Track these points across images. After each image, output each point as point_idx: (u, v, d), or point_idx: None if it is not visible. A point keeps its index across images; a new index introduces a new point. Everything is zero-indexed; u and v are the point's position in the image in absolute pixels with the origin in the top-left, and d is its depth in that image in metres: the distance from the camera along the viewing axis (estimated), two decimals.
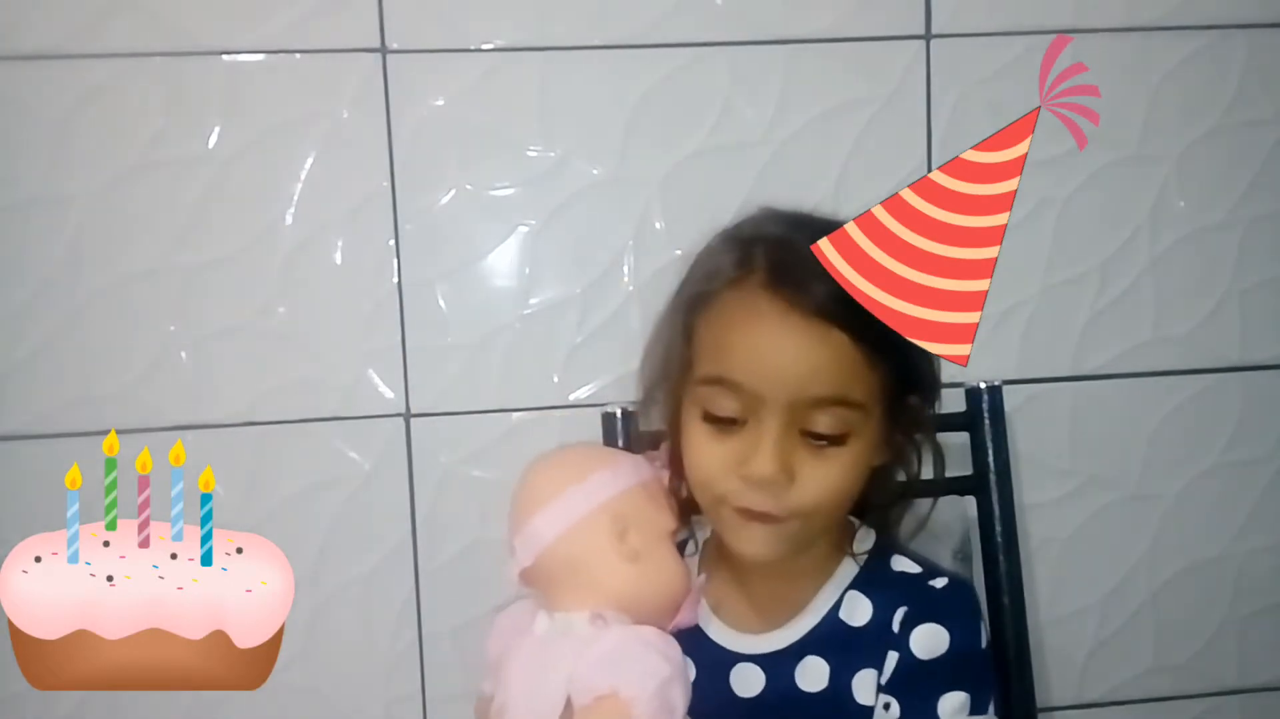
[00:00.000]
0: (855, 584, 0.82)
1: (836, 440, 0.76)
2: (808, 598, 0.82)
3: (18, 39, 1.04)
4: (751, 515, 0.77)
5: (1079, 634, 1.21)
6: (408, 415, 1.11)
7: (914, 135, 1.14)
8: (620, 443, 1.02)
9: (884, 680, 0.78)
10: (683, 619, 0.80)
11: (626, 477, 0.81)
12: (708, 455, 0.77)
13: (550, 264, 1.12)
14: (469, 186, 1.11)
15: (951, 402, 1.12)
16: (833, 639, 0.80)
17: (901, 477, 0.84)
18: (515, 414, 1.11)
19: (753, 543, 0.78)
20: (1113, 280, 1.18)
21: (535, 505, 0.79)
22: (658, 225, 1.12)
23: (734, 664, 0.82)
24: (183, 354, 1.08)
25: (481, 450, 1.11)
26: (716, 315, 0.78)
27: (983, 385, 1.09)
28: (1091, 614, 1.21)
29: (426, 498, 1.12)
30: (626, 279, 1.12)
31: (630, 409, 1.01)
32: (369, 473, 1.11)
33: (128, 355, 1.08)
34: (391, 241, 1.10)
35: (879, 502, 0.84)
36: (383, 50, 1.08)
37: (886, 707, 0.78)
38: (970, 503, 1.08)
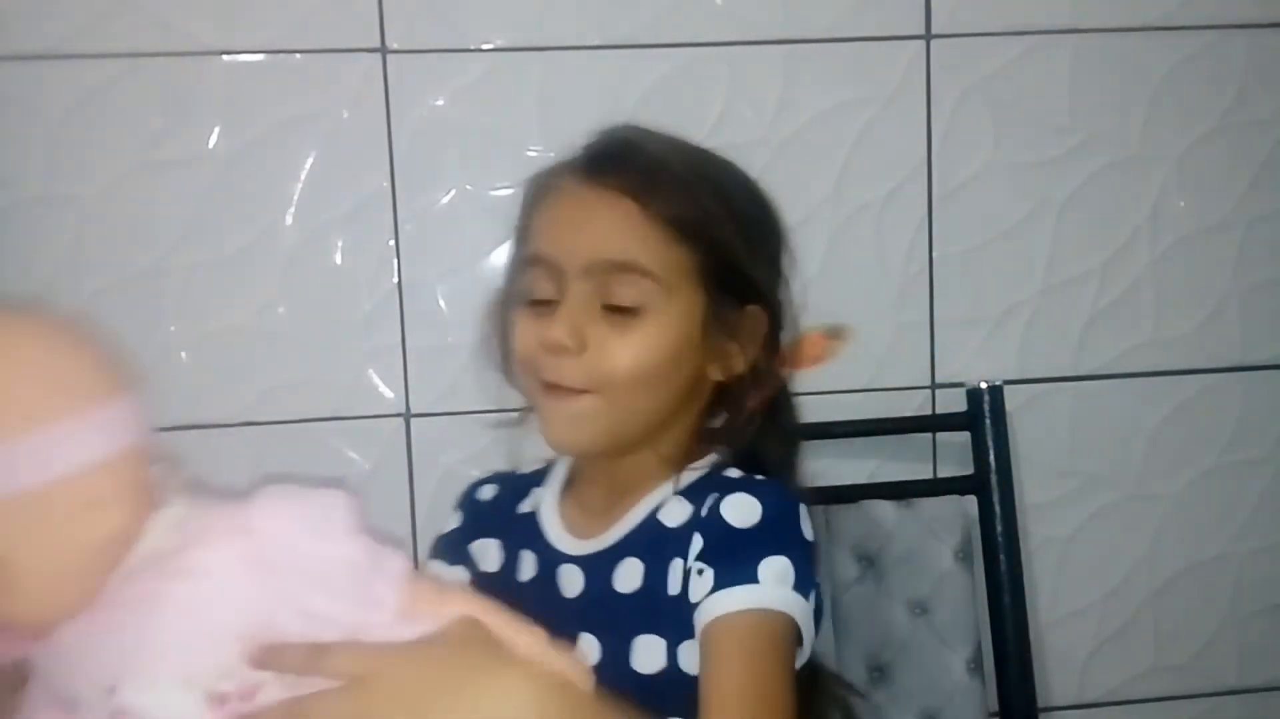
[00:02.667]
0: (680, 491, 0.81)
1: (631, 313, 0.77)
2: (630, 505, 0.82)
3: (18, 39, 1.04)
4: (550, 389, 0.79)
5: (1079, 634, 1.21)
6: (408, 415, 1.11)
7: (914, 135, 1.14)
8: None
9: (696, 555, 0.76)
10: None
11: None
12: (524, 335, 0.81)
13: None
14: (469, 186, 1.11)
15: (953, 401, 1.13)
16: (648, 539, 0.80)
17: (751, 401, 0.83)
18: (515, 414, 1.11)
19: (557, 425, 0.80)
20: (1113, 280, 1.18)
21: None
22: None
23: (559, 564, 0.83)
24: (183, 354, 1.08)
25: (481, 451, 1.10)
26: (538, 204, 0.85)
27: (984, 385, 1.09)
28: (1091, 614, 1.21)
29: (426, 498, 1.12)
30: None
31: None
32: (369, 473, 1.11)
33: (128, 355, 1.08)
34: (391, 241, 1.10)
35: (730, 424, 0.84)
36: (383, 50, 1.08)
37: (700, 572, 0.74)
38: (971, 503, 1.09)
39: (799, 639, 0.75)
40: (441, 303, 1.11)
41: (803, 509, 0.78)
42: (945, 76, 1.13)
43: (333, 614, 0.59)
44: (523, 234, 0.86)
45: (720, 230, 0.80)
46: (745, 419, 0.83)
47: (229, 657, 0.57)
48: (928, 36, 1.13)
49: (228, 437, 1.09)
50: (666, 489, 0.81)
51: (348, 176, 1.09)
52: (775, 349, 0.84)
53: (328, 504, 0.61)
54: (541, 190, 0.85)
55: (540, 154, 1.11)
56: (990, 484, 1.08)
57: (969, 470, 1.09)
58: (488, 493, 0.93)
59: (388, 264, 1.10)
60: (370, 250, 1.10)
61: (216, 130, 1.07)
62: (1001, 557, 1.07)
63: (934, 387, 1.15)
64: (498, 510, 0.91)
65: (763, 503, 0.76)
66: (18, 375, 0.57)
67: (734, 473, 0.82)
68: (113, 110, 1.05)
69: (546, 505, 0.87)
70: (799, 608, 0.74)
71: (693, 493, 0.80)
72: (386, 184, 1.09)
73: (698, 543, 0.76)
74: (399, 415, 1.11)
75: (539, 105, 1.10)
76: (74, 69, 1.05)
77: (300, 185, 1.08)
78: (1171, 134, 1.17)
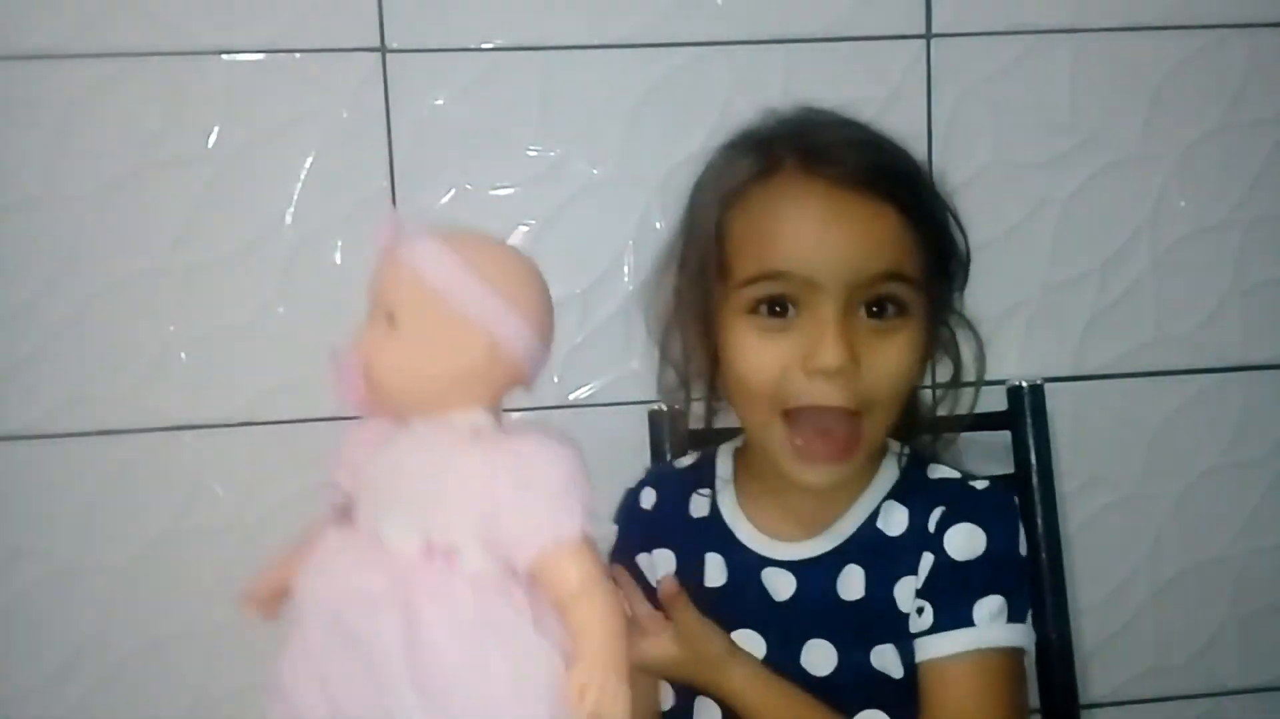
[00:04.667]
0: (892, 494, 0.80)
1: (893, 322, 0.73)
2: (842, 507, 0.80)
3: (18, 39, 1.04)
4: (819, 436, 0.73)
5: (1079, 634, 1.20)
6: None
7: (914, 135, 1.13)
8: (667, 442, 1.02)
9: (919, 585, 0.77)
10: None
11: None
12: (762, 356, 0.73)
13: (550, 264, 1.11)
14: (469, 186, 1.11)
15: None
16: (870, 547, 0.78)
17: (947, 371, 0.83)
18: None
19: (817, 473, 0.74)
20: (1113, 280, 1.18)
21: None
22: (658, 225, 1.12)
23: (763, 568, 0.81)
24: (183, 354, 1.08)
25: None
26: (752, 212, 0.75)
27: (1024, 384, 1.08)
28: (1092, 614, 1.21)
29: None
30: (626, 279, 1.12)
31: (678, 408, 1.01)
32: None
33: (128, 355, 1.08)
34: None
35: (918, 409, 0.82)
36: (383, 50, 1.08)
37: (920, 611, 0.76)
38: None
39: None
40: None
41: (1020, 528, 0.78)
42: (945, 76, 1.13)
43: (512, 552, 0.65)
44: (719, 243, 0.77)
45: (943, 220, 0.78)
46: (933, 405, 0.84)
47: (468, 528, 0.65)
48: (928, 36, 1.13)
49: (228, 437, 1.09)
50: (877, 490, 0.80)
51: (347, 176, 1.09)
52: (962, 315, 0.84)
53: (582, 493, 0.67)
54: (749, 194, 0.76)
55: (540, 154, 1.11)
56: (1032, 483, 1.07)
57: (1010, 469, 1.08)
58: (649, 500, 0.88)
59: None
60: (370, 250, 1.10)
61: (216, 130, 1.07)
62: (1043, 554, 1.06)
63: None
64: (665, 518, 0.86)
65: (988, 534, 0.76)
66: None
67: (941, 471, 0.81)
68: (112, 110, 1.05)
69: (728, 508, 0.84)
70: (1020, 636, 0.76)
71: (907, 496, 0.79)
72: (386, 184, 1.09)
73: (926, 565, 0.77)
74: None
75: (539, 105, 1.10)
76: (74, 69, 1.05)
77: (300, 185, 1.08)
78: (1171, 134, 1.17)
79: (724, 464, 0.87)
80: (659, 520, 0.87)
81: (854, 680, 0.77)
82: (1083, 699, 1.20)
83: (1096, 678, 1.21)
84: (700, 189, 0.81)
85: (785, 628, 0.79)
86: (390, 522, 0.67)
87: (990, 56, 1.14)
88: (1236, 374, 1.20)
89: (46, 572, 1.08)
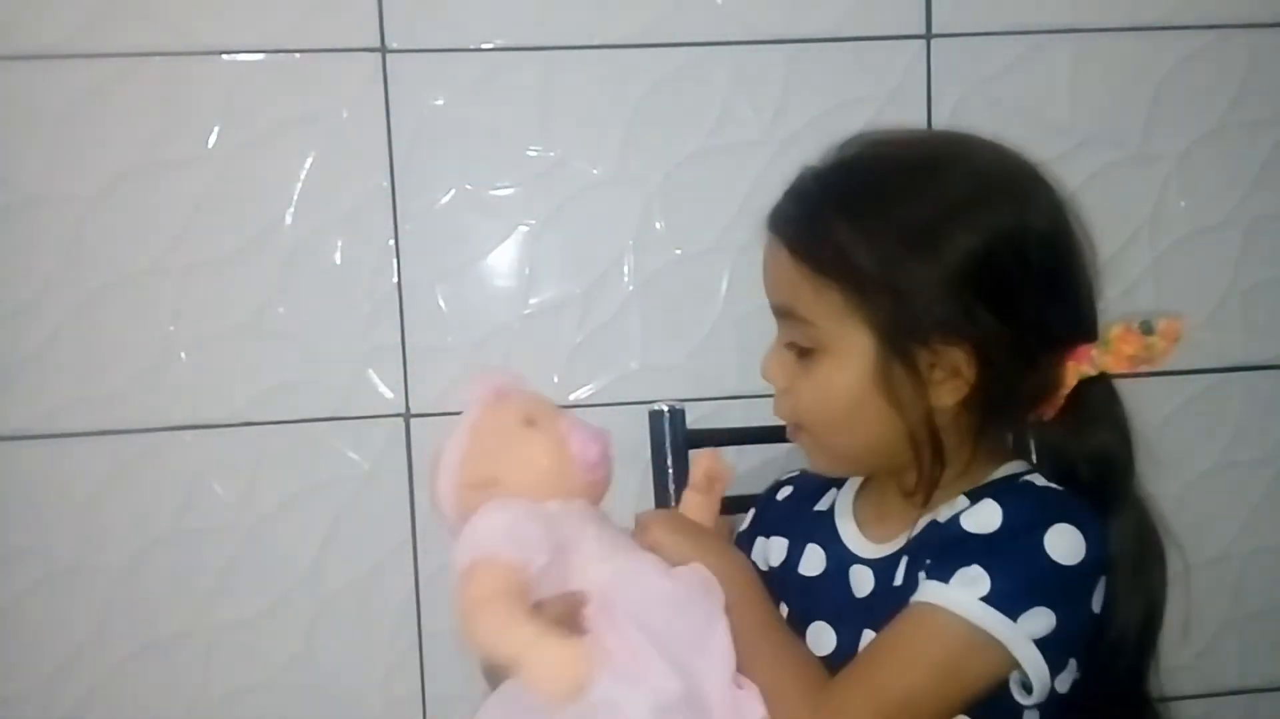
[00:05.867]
0: (968, 493, 0.77)
1: (809, 354, 0.77)
2: (925, 513, 0.79)
3: (18, 39, 1.04)
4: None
5: None
6: (408, 415, 1.11)
7: None
8: (668, 441, 1.02)
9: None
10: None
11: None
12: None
13: (550, 264, 1.12)
14: (469, 186, 1.11)
15: None
16: (922, 539, 0.77)
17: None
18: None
19: (804, 454, 0.82)
20: (1113, 280, 1.17)
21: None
22: (658, 225, 1.12)
23: (852, 564, 0.82)
24: (183, 354, 1.08)
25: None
26: None
27: None
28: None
29: (426, 498, 1.12)
30: (626, 279, 1.12)
31: (677, 407, 1.02)
32: (369, 473, 1.11)
33: (128, 355, 1.08)
34: (391, 241, 1.10)
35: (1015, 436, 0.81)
36: (383, 50, 1.08)
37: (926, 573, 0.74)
38: None
39: (1009, 667, 0.71)
40: (441, 303, 1.11)
41: (1059, 529, 0.71)
42: (945, 76, 1.13)
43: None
44: None
45: (865, 265, 0.73)
46: (1028, 430, 0.80)
47: None
48: (928, 36, 1.13)
49: (228, 437, 1.09)
50: (958, 501, 0.77)
51: (347, 176, 1.09)
52: (1032, 359, 0.75)
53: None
54: None
55: (540, 154, 1.11)
56: None
57: None
58: (784, 493, 0.92)
59: (387, 264, 1.10)
60: (370, 250, 1.10)
61: (216, 130, 1.07)
62: None
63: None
64: (791, 509, 0.90)
65: (1005, 513, 0.72)
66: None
67: (1028, 477, 0.78)
68: (112, 110, 1.05)
69: (841, 506, 0.86)
70: (997, 625, 0.69)
71: (975, 494, 0.77)
72: (386, 184, 1.09)
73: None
74: (399, 415, 1.11)
75: (539, 105, 1.10)
76: (74, 69, 1.05)
77: (300, 185, 1.08)
78: (1171, 134, 1.17)
79: None
80: (786, 510, 0.90)
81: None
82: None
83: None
84: None
85: (856, 623, 0.79)
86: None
87: (990, 56, 1.14)
88: (1236, 374, 1.20)
89: (46, 572, 1.09)
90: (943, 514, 0.78)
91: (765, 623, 0.78)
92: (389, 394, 1.11)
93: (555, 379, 1.12)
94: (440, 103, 1.09)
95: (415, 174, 1.09)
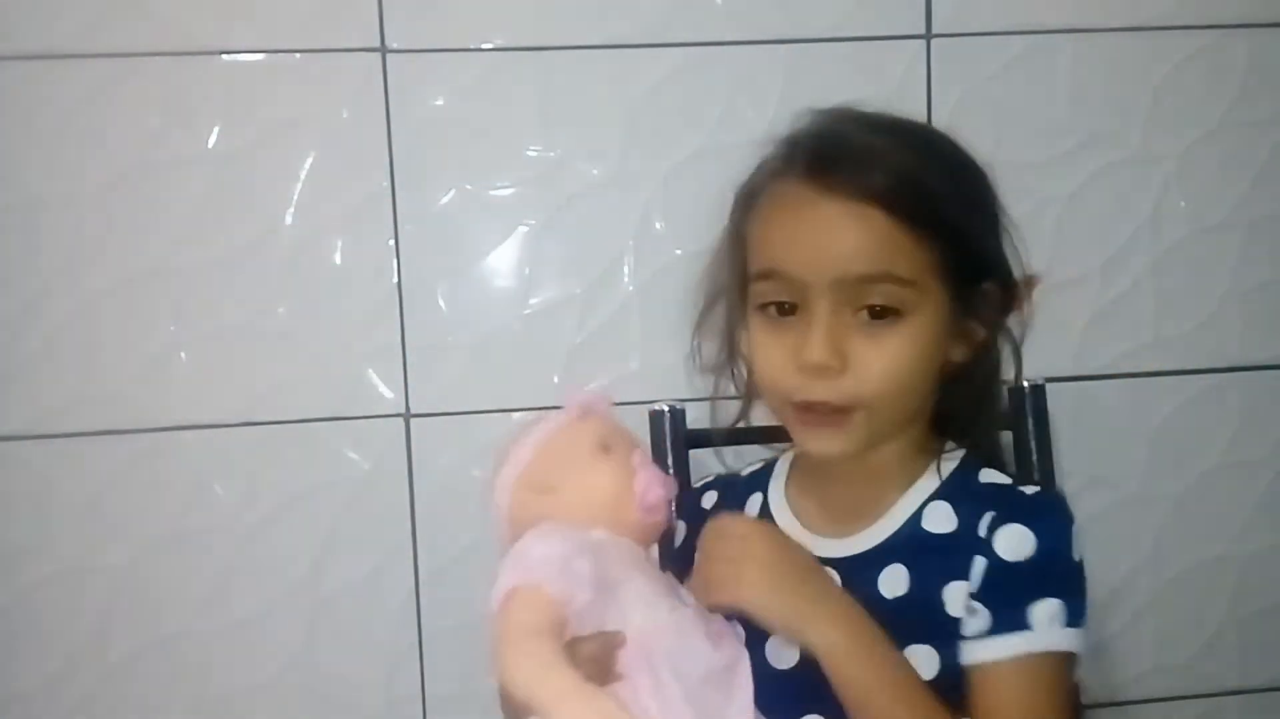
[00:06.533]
0: (938, 494, 0.80)
1: (889, 317, 0.75)
2: (887, 504, 0.81)
3: (18, 39, 1.04)
4: (814, 412, 0.77)
5: None
6: (408, 415, 1.11)
7: None
8: (668, 441, 1.02)
9: (974, 589, 0.76)
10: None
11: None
12: (768, 351, 0.78)
13: (550, 264, 1.12)
14: (469, 186, 1.11)
15: None
16: (915, 546, 0.79)
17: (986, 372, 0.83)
18: (515, 414, 1.11)
19: (819, 442, 0.79)
20: (1113, 280, 1.18)
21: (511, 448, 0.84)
22: (658, 225, 1.12)
23: None
24: (183, 354, 1.08)
25: (481, 450, 1.10)
26: (762, 211, 0.80)
27: (1025, 384, 1.07)
28: (1092, 615, 1.19)
29: (426, 498, 1.12)
30: (626, 279, 1.12)
31: (677, 407, 1.02)
32: (369, 473, 1.11)
33: (128, 355, 1.08)
34: (391, 241, 1.10)
35: (964, 408, 0.83)
36: (383, 50, 1.08)
37: (973, 613, 0.76)
38: None
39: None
40: (441, 303, 1.11)
41: (1074, 532, 0.78)
42: (945, 76, 1.13)
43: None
44: (740, 241, 0.83)
45: (957, 219, 0.77)
46: (978, 402, 0.83)
47: None
48: (928, 36, 1.13)
49: (228, 437, 1.09)
50: (922, 489, 0.81)
51: (347, 176, 1.09)
52: (1004, 321, 0.82)
53: None
54: (762, 197, 0.81)
55: (540, 154, 1.11)
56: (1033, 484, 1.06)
57: (1011, 470, 1.08)
58: (709, 501, 0.92)
59: (387, 264, 1.10)
60: (370, 250, 1.10)
61: (216, 130, 1.07)
62: None
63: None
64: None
65: (1037, 535, 0.76)
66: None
67: (992, 476, 0.81)
68: (113, 110, 1.05)
69: (777, 506, 0.86)
70: (1075, 641, 0.76)
71: (952, 494, 0.80)
72: (386, 184, 1.09)
73: (978, 569, 0.76)
74: (399, 415, 1.11)
75: (539, 105, 1.10)
76: (74, 69, 1.05)
77: (300, 185, 1.08)
78: (1171, 134, 1.17)
79: (780, 466, 0.90)
80: None
81: None
82: (1083, 699, 1.20)
83: (1096, 678, 1.21)
84: (738, 186, 0.85)
85: None
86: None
87: (990, 56, 1.14)
88: (1236, 374, 1.20)
89: (47, 571, 1.09)
90: (932, 521, 0.79)
91: (914, 694, 0.75)
92: (389, 394, 1.11)
93: (555, 379, 1.12)
94: (440, 103, 1.09)
95: (415, 174, 1.09)
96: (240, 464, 1.10)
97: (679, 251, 1.12)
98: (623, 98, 1.10)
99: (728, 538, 0.78)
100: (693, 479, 1.01)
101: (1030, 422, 1.07)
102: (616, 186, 1.11)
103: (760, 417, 0.90)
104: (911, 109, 1.13)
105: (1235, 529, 1.22)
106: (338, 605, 1.12)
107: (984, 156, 0.84)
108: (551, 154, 1.11)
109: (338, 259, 1.10)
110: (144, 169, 1.06)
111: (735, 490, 0.90)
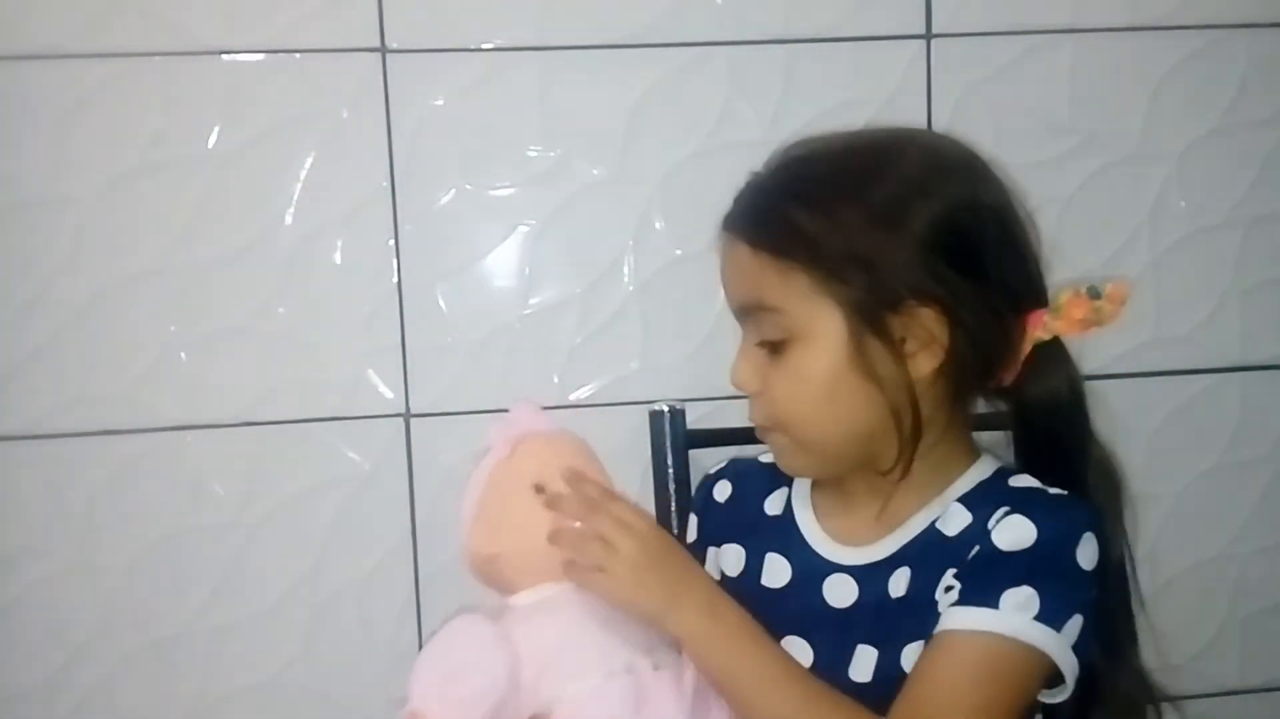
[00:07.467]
0: (962, 499, 0.79)
1: (779, 347, 0.77)
2: (910, 512, 0.80)
3: (18, 39, 1.04)
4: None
5: None
6: (408, 415, 1.11)
7: None
8: (668, 441, 1.02)
9: (957, 570, 0.75)
10: None
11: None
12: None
13: (550, 264, 1.12)
14: (469, 186, 1.11)
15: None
16: (924, 548, 0.78)
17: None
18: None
19: (778, 457, 0.82)
20: (1113, 280, 1.18)
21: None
22: (658, 225, 1.12)
23: (829, 574, 0.81)
24: (183, 354, 1.08)
25: (481, 451, 1.10)
26: None
27: None
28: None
29: (426, 498, 1.12)
30: (626, 279, 1.12)
31: (677, 407, 1.03)
32: (369, 473, 1.11)
33: (128, 355, 1.08)
34: (391, 241, 1.10)
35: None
36: (383, 50, 1.08)
37: (948, 589, 0.74)
38: None
39: (1052, 672, 0.74)
40: (441, 303, 1.11)
41: (1086, 537, 0.75)
42: (945, 76, 1.13)
43: None
44: None
45: (834, 243, 0.75)
46: (993, 396, 0.82)
47: None
48: (928, 36, 1.13)
49: (228, 437, 1.09)
50: (947, 499, 0.79)
51: (347, 176, 1.09)
52: (997, 321, 0.77)
53: None
54: None
55: (540, 154, 1.11)
56: None
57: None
58: (723, 493, 0.91)
59: (387, 264, 1.10)
60: (370, 250, 1.10)
61: (216, 130, 1.07)
62: None
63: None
64: (738, 512, 0.89)
65: (1039, 529, 0.73)
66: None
67: (1022, 481, 0.79)
68: (112, 110, 1.05)
69: (800, 507, 0.85)
70: (1047, 640, 0.72)
71: (975, 501, 0.78)
72: (386, 184, 1.09)
73: (970, 554, 0.75)
74: (399, 415, 1.11)
75: (539, 105, 1.10)
76: (74, 69, 1.05)
77: (300, 185, 1.08)
78: (1171, 134, 1.17)
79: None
80: (732, 514, 0.89)
81: (886, 685, 0.75)
82: None
83: None
84: None
85: (839, 637, 0.78)
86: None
87: (990, 56, 1.14)
88: (1236, 374, 1.20)
89: (46, 572, 1.09)
90: (948, 524, 0.78)
91: (783, 676, 0.75)
92: (389, 394, 1.11)
93: (555, 379, 1.12)
94: (440, 103, 1.09)
95: (415, 174, 1.09)
96: (240, 464, 1.10)
97: (679, 251, 1.12)
98: (623, 98, 1.10)
99: (603, 514, 0.79)
100: (693, 480, 1.01)
101: None
102: (616, 186, 1.11)
103: None
104: (911, 109, 1.13)
105: (1235, 529, 1.22)
106: (338, 605, 1.12)
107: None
108: (551, 154, 1.11)
109: (338, 259, 1.10)
110: (144, 169, 1.06)
111: (753, 482, 0.89)
